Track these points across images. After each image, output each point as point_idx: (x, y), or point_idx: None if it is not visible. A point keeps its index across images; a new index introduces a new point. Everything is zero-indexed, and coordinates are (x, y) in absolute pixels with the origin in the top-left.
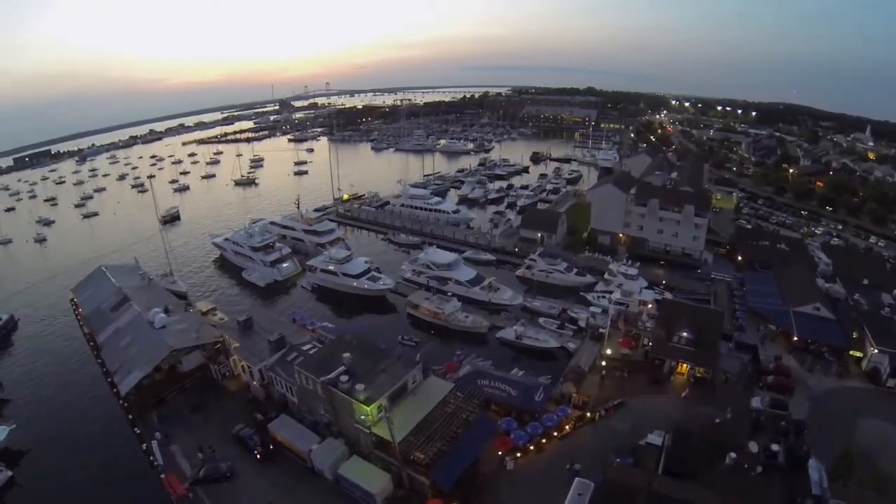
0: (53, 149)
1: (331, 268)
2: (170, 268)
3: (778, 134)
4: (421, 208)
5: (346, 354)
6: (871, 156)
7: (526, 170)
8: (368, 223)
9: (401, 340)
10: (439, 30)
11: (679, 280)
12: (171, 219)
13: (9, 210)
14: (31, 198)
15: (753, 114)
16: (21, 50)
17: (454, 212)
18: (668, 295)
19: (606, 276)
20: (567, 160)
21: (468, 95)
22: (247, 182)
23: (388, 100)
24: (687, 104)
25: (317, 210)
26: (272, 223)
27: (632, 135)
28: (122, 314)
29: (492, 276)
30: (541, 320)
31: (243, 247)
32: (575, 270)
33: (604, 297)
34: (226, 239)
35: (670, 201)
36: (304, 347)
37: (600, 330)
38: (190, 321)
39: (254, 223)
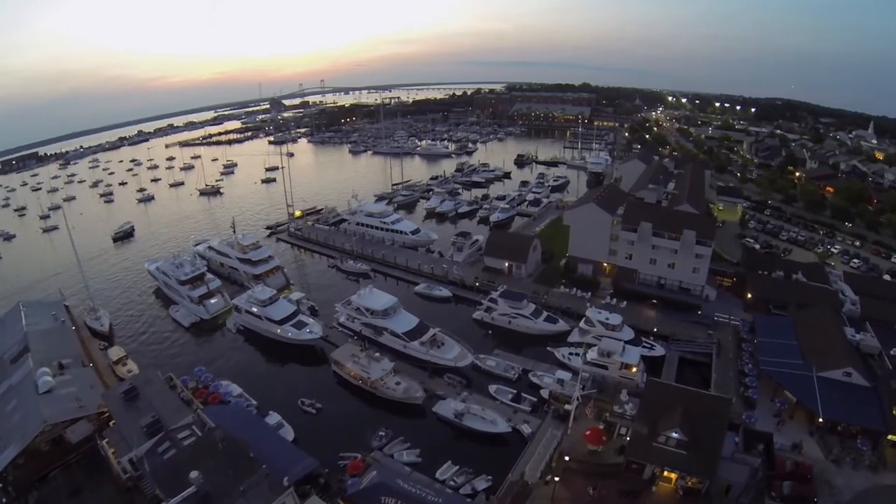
0: (42, 151)
1: (254, 309)
2: (92, 302)
3: (780, 132)
4: (376, 227)
5: (195, 474)
6: (879, 156)
7: (508, 175)
8: (319, 245)
9: (301, 405)
10: (438, 26)
11: (675, 324)
12: (124, 235)
13: None
14: (4, 207)
15: (753, 110)
16: (21, 49)
17: (413, 232)
18: (660, 348)
19: (583, 324)
20: (554, 163)
21: (457, 93)
22: (212, 191)
23: (380, 98)
24: (684, 100)
25: (269, 227)
26: (210, 248)
27: (626, 134)
28: (17, 368)
29: (447, 316)
30: (492, 389)
31: (171, 278)
32: (545, 315)
33: (577, 354)
34: (157, 267)
35: (666, 225)
36: (181, 436)
37: (565, 407)
38: (81, 382)
39: (197, 244)
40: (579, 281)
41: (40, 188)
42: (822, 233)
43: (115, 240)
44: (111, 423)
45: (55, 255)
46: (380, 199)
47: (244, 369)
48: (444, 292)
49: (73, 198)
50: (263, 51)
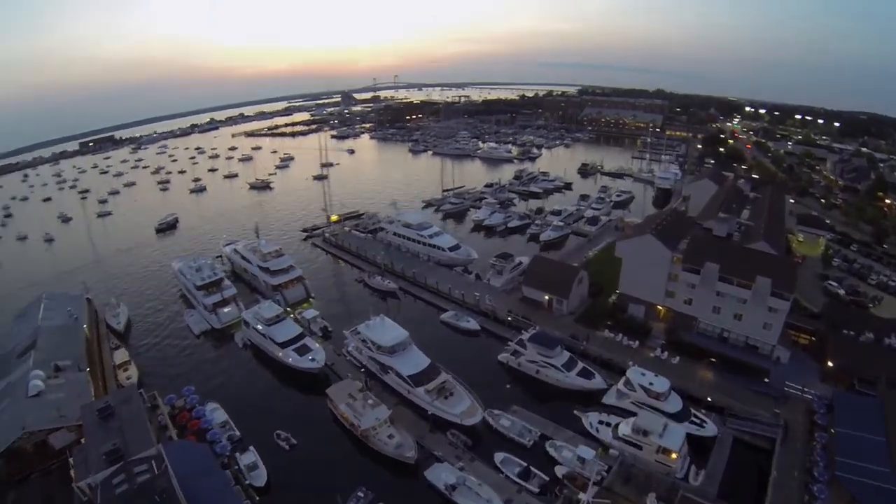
0: (119, 134)
1: (259, 327)
2: (115, 298)
3: (866, 150)
4: (413, 240)
5: None
6: None
7: (569, 186)
8: (350, 254)
9: (276, 437)
10: (511, 24)
11: (735, 393)
12: (167, 227)
13: (45, 200)
14: (72, 188)
15: (836, 125)
16: (113, 38)
17: (451, 248)
18: (711, 426)
19: (622, 385)
20: (620, 174)
21: (528, 94)
22: (262, 186)
23: (450, 96)
24: (762, 111)
25: (305, 230)
26: (236, 251)
27: (698, 146)
28: (20, 365)
29: (470, 353)
30: (498, 458)
31: (188, 281)
32: (579, 367)
33: (608, 423)
34: (180, 268)
35: (736, 268)
36: (137, 470)
37: (580, 497)
38: (70, 389)
39: (227, 244)
40: (628, 324)
41: (108, 171)
42: None
43: (158, 231)
44: (81, 440)
45: (101, 242)
46: (428, 205)
47: (240, 391)
48: (472, 324)
49: (134, 183)
50: (343, 42)
